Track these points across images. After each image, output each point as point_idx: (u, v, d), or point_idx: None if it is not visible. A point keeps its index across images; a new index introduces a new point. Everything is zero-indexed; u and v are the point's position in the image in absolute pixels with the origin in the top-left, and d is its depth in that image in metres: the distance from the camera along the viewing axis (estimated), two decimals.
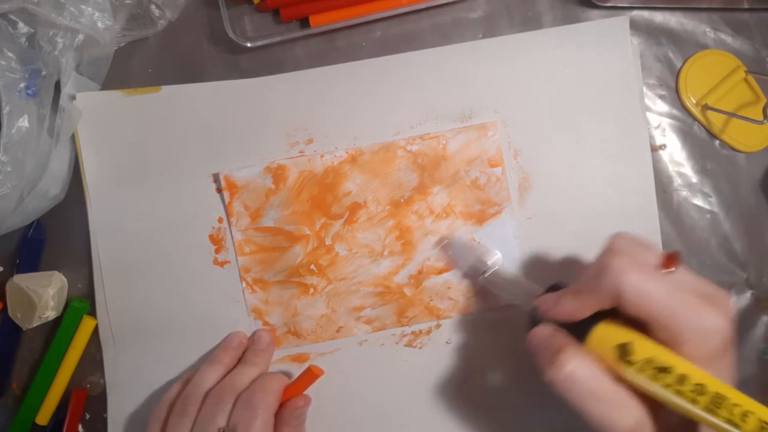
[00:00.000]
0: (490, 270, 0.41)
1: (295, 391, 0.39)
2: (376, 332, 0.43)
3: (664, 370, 0.28)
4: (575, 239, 0.43)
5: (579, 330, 0.31)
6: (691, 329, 0.29)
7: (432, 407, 0.43)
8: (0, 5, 0.37)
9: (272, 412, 0.37)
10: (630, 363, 0.29)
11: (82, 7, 0.38)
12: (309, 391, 0.39)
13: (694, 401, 0.28)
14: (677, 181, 0.45)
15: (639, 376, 0.29)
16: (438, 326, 0.43)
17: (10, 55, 0.37)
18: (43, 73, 0.39)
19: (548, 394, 0.43)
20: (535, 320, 0.34)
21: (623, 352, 0.29)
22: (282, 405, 0.38)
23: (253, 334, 0.42)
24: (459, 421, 0.43)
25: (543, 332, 0.32)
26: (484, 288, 0.42)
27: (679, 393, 0.28)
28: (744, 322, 0.44)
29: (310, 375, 0.38)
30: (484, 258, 0.42)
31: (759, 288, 0.45)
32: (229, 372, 0.40)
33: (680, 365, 0.29)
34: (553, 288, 0.35)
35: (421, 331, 0.43)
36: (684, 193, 0.45)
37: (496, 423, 0.43)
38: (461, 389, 0.43)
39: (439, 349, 0.43)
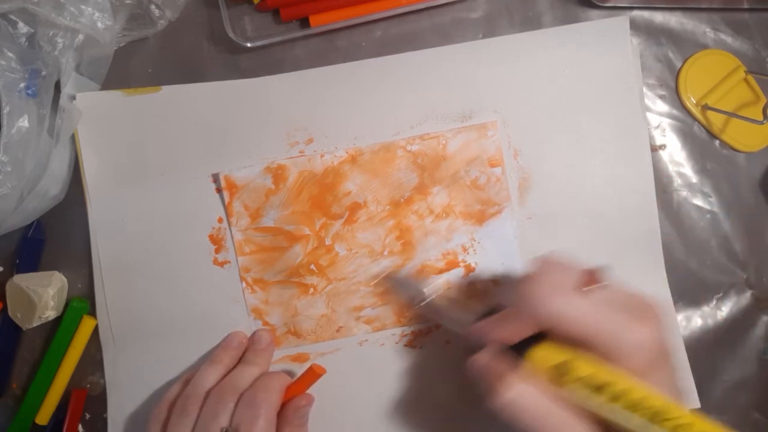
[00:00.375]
0: (427, 299, 0.41)
1: (297, 390, 0.39)
2: (376, 332, 0.43)
3: (599, 388, 0.29)
4: (575, 239, 0.43)
5: (521, 349, 0.32)
6: (621, 345, 0.29)
7: (432, 407, 0.43)
8: (0, 5, 0.37)
9: (275, 411, 0.37)
10: (564, 384, 0.29)
11: (82, 7, 0.38)
12: (310, 391, 0.39)
13: (628, 418, 0.28)
14: (677, 181, 0.45)
15: (576, 394, 0.29)
16: (438, 326, 0.43)
17: (10, 55, 0.37)
18: (43, 73, 0.39)
19: None
20: (475, 345, 0.34)
21: (560, 371, 0.30)
22: (285, 404, 0.38)
23: (253, 334, 0.42)
24: (459, 421, 0.43)
25: (482, 359, 0.33)
26: (475, 283, 0.43)
27: (613, 411, 0.28)
28: (744, 322, 0.44)
29: (312, 374, 0.38)
30: (422, 287, 0.42)
31: (759, 288, 0.45)
32: (229, 372, 0.40)
33: (618, 381, 0.29)
34: (492, 311, 0.35)
35: (421, 331, 0.43)
36: (684, 193, 0.45)
37: (496, 423, 0.43)
38: (461, 389, 0.43)
39: (439, 349, 0.43)
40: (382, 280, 0.42)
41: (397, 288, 0.42)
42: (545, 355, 0.31)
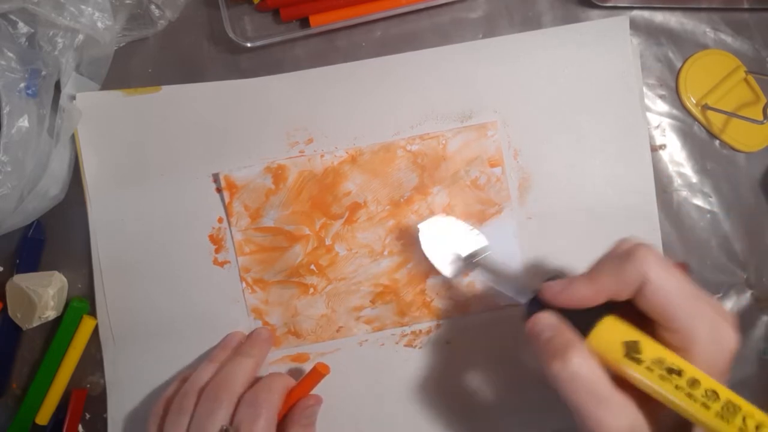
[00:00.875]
0: (477, 258, 0.38)
1: (302, 392, 0.39)
2: (376, 332, 0.43)
3: (674, 371, 0.28)
4: (575, 239, 0.43)
5: (582, 321, 0.30)
6: (705, 337, 0.28)
7: (432, 407, 0.43)
8: (0, 5, 0.37)
9: (275, 412, 0.37)
10: (638, 361, 0.28)
11: (82, 7, 0.38)
12: (315, 391, 0.39)
13: (705, 407, 0.27)
14: (677, 181, 0.45)
15: (648, 375, 0.28)
16: (438, 326, 0.43)
17: (10, 55, 0.37)
18: (43, 73, 0.39)
19: (548, 395, 0.43)
20: (533, 308, 0.33)
21: (631, 349, 0.29)
22: (293, 405, 0.38)
23: (253, 330, 0.42)
24: (459, 421, 0.43)
25: (548, 320, 0.31)
26: (474, 283, 0.42)
27: (690, 396, 0.27)
28: (744, 322, 0.44)
29: (317, 374, 0.38)
30: (468, 244, 0.38)
31: (759, 288, 0.45)
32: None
33: (690, 369, 0.28)
34: (552, 278, 0.34)
35: (421, 331, 0.43)
36: (684, 193, 0.45)
37: (496, 423, 0.43)
38: (461, 389, 0.43)
39: (439, 349, 0.43)
40: (428, 229, 0.39)
41: (446, 241, 0.39)
42: (615, 328, 0.30)
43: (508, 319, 0.43)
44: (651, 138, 0.44)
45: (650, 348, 0.29)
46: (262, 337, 0.42)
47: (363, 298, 0.43)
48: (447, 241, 0.39)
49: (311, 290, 0.43)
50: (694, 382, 0.27)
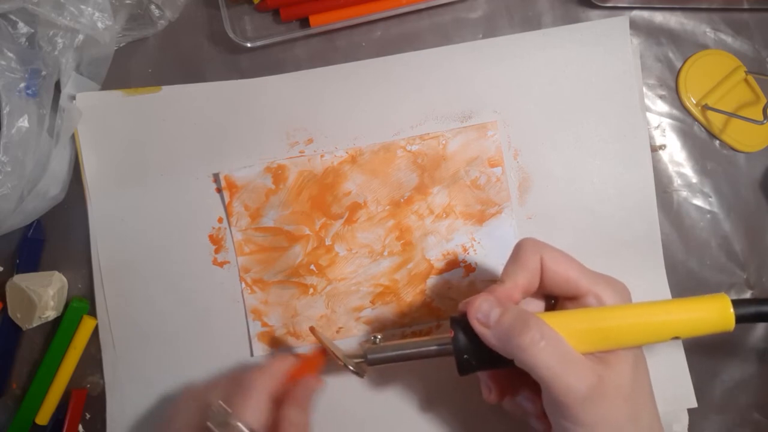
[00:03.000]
0: (375, 341, 0.37)
1: (306, 370, 0.38)
2: (376, 332, 0.43)
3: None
4: (575, 239, 0.43)
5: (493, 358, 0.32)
6: (609, 295, 0.33)
7: (432, 408, 0.43)
8: (0, 5, 0.37)
9: (266, 392, 0.36)
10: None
11: (82, 7, 0.38)
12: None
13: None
14: (677, 181, 0.45)
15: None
16: (438, 326, 0.43)
17: (10, 55, 0.37)
18: (43, 73, 0.39)
19: None
20: (461, 340, 0.33)
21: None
22: (294, 385, 0.37)
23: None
24: (459, 422, 0.43)
25: (494, 306, 0.32)
26: (474, 283, 0.42)
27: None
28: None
29: (318, 357, 0.39)
30: (350, 348, 0.40)
31: (759, 288, 0.45)
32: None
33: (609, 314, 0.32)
34: (455, 319, 0.34)
35: (421, 332, 0.43)
36: (684, 193, 0.45)
37: (496, 423, 0.43)
38: (461, 389, 0.43)
39: None
40: (315, 334, 0.39)
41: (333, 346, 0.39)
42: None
43: None
44: (651, 138, 0.44)
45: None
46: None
47: (363, 298, 0.43)
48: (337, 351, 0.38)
49: (311, 290, 0.43)
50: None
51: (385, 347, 0.36)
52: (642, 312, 0.32)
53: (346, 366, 0.36)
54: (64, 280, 0.43)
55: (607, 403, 0.30)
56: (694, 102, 0.44)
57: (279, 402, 0.37)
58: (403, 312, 0.43)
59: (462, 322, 0.33)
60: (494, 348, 0.32)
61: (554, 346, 0.30)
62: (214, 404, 0.35)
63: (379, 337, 0.37)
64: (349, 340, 0.43)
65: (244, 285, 0.43)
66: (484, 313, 0.32)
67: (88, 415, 0.44)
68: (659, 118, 0.45)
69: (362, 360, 0.36)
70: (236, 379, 0.37)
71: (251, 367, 0.38)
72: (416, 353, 0.36)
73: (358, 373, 0.36)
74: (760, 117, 0.43)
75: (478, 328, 0.32)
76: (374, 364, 0.36)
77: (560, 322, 0.32)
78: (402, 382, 0.43)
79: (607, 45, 0.43)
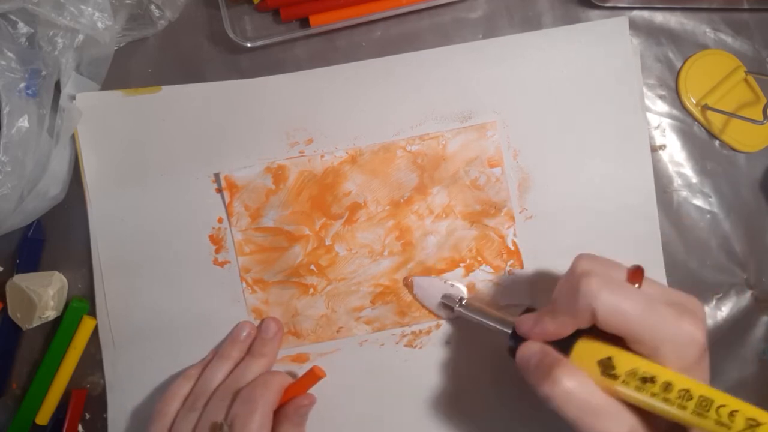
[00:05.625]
0: (461, 302, 0.41)
1: (297, 391, 0.39)
2: (376, 332, 0.43)
3: (648, 380, 0.29)
4: (575, 239, 0.43)
5: (561, 347, 0.32)
6: (668, 341, 0.29)
7: (432, 407, 0.43)
8: (0, 5, 0.37)
9: (271, 409, 0.37)
10: (614, 377, 0.30)
11: (82, 7, 0.38)
12: (310, 391, 0.39)
13: (682, 407, 0.28)
14: (677, 181, 0.45)
15: (625, 388, 0.29)
16: (438, 326, 0.43)
17: (10, 55, 0.37)
18: (43, 73, 0.39)
19: None
20: (515, 341, 0.35)
21: (606, 366, 0.30)
22: (286, 402, 0.38)
23: (261, 322, 0.42)
24: (459, 422, 0.43)
25: (532, 348, 0.33)
26: (474, 283, 0.43)
27: (666, 401, 0.29)
28: (744, 322, 0.44)
29: (313, 376, 0.38)
30: (451, 292, 0.42)
31: (759, 288, 0.45)
32: (237, 365, 0.40)
33: (663, 373, 0.29)
34: (528, 310, 0.36)
35: (421, 331, 0.43)
36: (684, 193, 0.45)
37: (496, 423, 0.43)
38: (461, 389, 0.43)
39: (439, 349, 0.43)
40: (407, 284, 0.42)
41: (427, 297, 0.42)
42: (589, 349, 0.31)
43: None
44: (651, 138, 0.44)
45: (623, 361, 0.30)
46: (271, 334, 0.42)
47: (363, 298, 0.43)
48: (433, 292, 0.42)
49: (311, 290, 0.43)
50: (667, 386, 0.29)
51: (469, 307, 0.40)
52: (687, 394, 0.28)
53: (438, 311, 0.42)
54: (64, 280, 0.43)
55: None
56: (694, 102, 0.44)
57: (275, 416, 0.37)
58: (403, 312, 0.43)
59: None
60: None
61: (579, 397, 0.29)
62: (218, 421, 0.36)
63: (464, 300, 0.41)
64: (349, 340, 0.43)
65: (244, 285, 0.43)
66: (524, 357, 0.33)
67: (88, 415, 0.44)
68: (659, 118, 0.45)
69: (451, 309, 0.41)
70: (242, 396, 0.37)
71: (253, 382, 0.39)
72: (486, 324, 0.39)
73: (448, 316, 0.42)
74: (760, 117, 0.43)
75: (519, 369, 0.33)
76: (455, 317, 0.42)
77: (593, 357, 0.30)
78: (403, 381, 0.43)
79: (607, 45, 0.43)
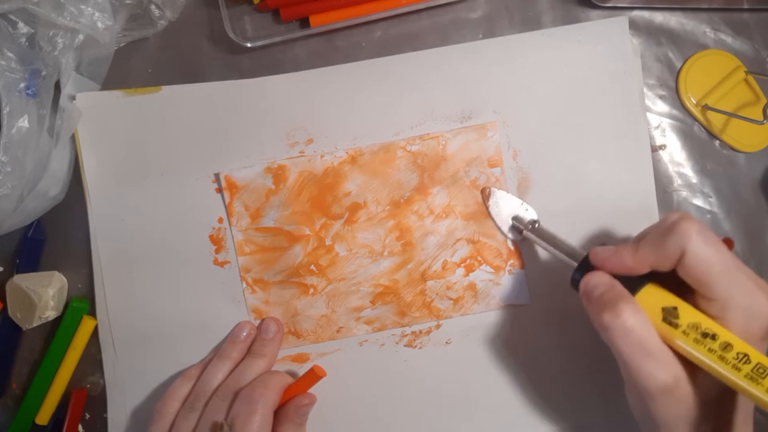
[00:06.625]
0: (534, 224, 0.41)
1: (297, 390, 0.39)
2: (376, 332, 0.43)
3: (708, 335, 0.29)
4: (575, 239, 0.43)
5: (627, 285, 0.32)
6: (740, 306, 0.30)
7: (431, 407, 0.43)
8: (0, 5, 0.37)
9: (272, 409, 0.37)
10: (675, 326, 0.30)
11: (82, 7, 0.38)
12: (310, 391, 0.39)
13: (736, 369, 0.28)
14: (677, 181, 0.45)
15: (684, 339, 0.30)
16: (438, 326, 0.43)
17: (10, 55, 0.37)
18: (43, 73, 0.39)
19: (547, 395, 0.43)
20: (582, 271, 0.35)
21: (669, 314, 0.31)
22: (286, 402, 0.38)
23: (261, 322, 0.43)
24: (459, 421, 0.43)
25: (600, 278, 0.33)
26: (475, 283, 0.43)
27: (722, 359, 0.29)
28: None
29: (313, 376, 0.38)
30: (523, 215, 0.42)
31: None
32: (237, 365, 0.40)
33: (724, 334, 0.29)
34: (602, 245, 0.36)
35: (421, 331, 0.43)
36: (684, 193, 0.45)
37: (495, 423, 0.43)
38: (461, 389, 0.43)
39: (439, 349, 0.43)
40: (484, 194, 0.42)
41: (500, 211, 0.42)
42: (655, 295, 0.32)
43: (508, 319, 0.43)
44: (651, 138, 0.44)
45: (687, 313, 0.30)
46: (272, 333, 0.42)
47: (363, 298, 0.43)
48: (506, 210, 0.42)
49: (311, 290, 0.43)
50: (726, 346, 0.29)
51: (540, 233, 0.41)
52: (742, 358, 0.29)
53: (507, 230, 0.42)
54: (64, 280, 0.43)
55: (676, 406, 0.30)
56: (694, 102, 0.44)
57: (275, 416, 0.37)
58: (403, 312, 0.43)
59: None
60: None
61: (637, 334, 0.30)
62: (219, 421, 0.36)
63: (539, 223, 0.42)
64: (349, 339, 0.43)
65: (244, 285, 0.43)
66: (590, 285, 0.33)
67: (88, 415, 0.44)
68: (659, 118, 0.45)
69: (519, 231, 0.42)
70: (242, 396, 0.37)
71: (253, 382, 0.39)
72: (553, 252, 0.39)
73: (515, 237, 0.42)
74: (760, 117, 0.43)
75: (582, 296, 0.33)
76: (525, 239, 0.42)
77: (658, 303, 0.31)
78: (403, 381, 0.43)
79: (607, 45, 0.43)
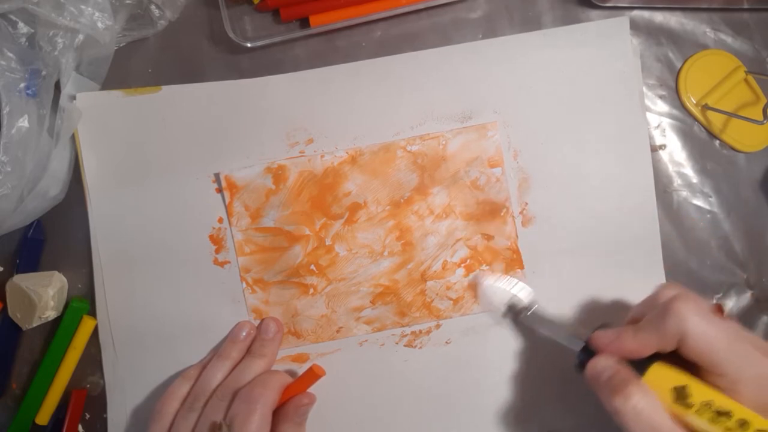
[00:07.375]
0: (531, 309, 0.41)
1: (297, 390, 0.39)
2: (376, 332, 0.43)
3: (723, 414, 0.29)
4: (575, 239, 0.43)
5: (633, 367, 0.32)
6: (750, 377, 0.30)
7: (431, 407, 0.43)
8: (0, 5, 0.37)
9: (270, 408, 0.37)
10: (688, 405, 0.30)
11: (82, 7, 0.38)
12: (310, 390, 0.39)
13: None
14: (677, 181, 0.45)
15: (698, 419, 0.29)
16: (438, 326, 0.43)
17: (10, 55, 0.37)
18: (43, 73, 0.39)
19: (547, 395, 0.43)
20: (586, 355, 0.35)
21: (680, 394, 0.30)
22: (286, 401, 0.38)
23: (261, 322, 0.43)
24: (459, 421, 0.43)
25: (606, 362, 0.33)
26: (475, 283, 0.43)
27: None
28: (744, 322, 0.44)
29: (312, 375, 0.38)
30: (520, 295, 0.42)
31: (759, 288, 0.45)
32: (237, 365, 0.40)
33: (739, 410, 0.29)
34: (602, 327, 0.36)
35: (421, 331, 0.43)
36: (684, 193, 0.45)
37: (495, 423, 0.43)
38: (461, 389, 0.43)
39: (439, 349, 0.43)
40: (471, 286, 0.42)
41: (491, 297, 0.42)
42: (663, 374, 0.31)
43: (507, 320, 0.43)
44: (651, 138, 0.44)
45: (699, 391, 0.30)
46: (271, 333, 0.42)
47: (363, 298, 0.43)
48: (499, 297, 0.42)
49: (311, 290, 0.43)
50: (743, 423, 0.29)
51: (534, 319, 0.40)
52: None
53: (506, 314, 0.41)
54: (64, 280, 0.43)
55: None
56: (694, 102, 0.44)
57: (275, 416, 0.37)
58: (403, 312, 0.43)
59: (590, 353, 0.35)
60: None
61: (647, 416, 0.30)
62: (218, 421, 0.36)
63: (536, 306, 0.41)
64: (349, 339, 0.43)
65: (244, 285, 0.43)
66: (597, 370, 0.33)
67: (88, 415, 0.44)
68: (659, 118, 0.45)
69: (518, 313, 0.41)
70: (241, 395, 0.37)
71: (252, 382, 0.39)
72: (553, 338, 0.38)
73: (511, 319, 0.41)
74: (760, 117, 0.43)
75: (590, 381, 0.33)
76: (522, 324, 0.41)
77: (668, 383, 0.30)
78: (403, 381, 0.43)
79: (607, 45, 0.43)
